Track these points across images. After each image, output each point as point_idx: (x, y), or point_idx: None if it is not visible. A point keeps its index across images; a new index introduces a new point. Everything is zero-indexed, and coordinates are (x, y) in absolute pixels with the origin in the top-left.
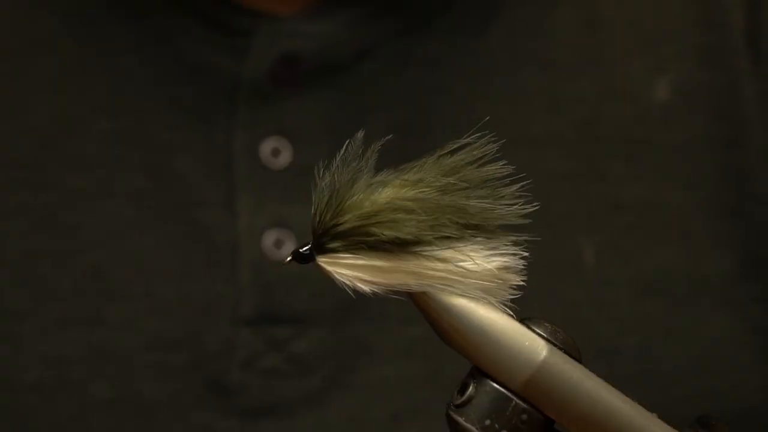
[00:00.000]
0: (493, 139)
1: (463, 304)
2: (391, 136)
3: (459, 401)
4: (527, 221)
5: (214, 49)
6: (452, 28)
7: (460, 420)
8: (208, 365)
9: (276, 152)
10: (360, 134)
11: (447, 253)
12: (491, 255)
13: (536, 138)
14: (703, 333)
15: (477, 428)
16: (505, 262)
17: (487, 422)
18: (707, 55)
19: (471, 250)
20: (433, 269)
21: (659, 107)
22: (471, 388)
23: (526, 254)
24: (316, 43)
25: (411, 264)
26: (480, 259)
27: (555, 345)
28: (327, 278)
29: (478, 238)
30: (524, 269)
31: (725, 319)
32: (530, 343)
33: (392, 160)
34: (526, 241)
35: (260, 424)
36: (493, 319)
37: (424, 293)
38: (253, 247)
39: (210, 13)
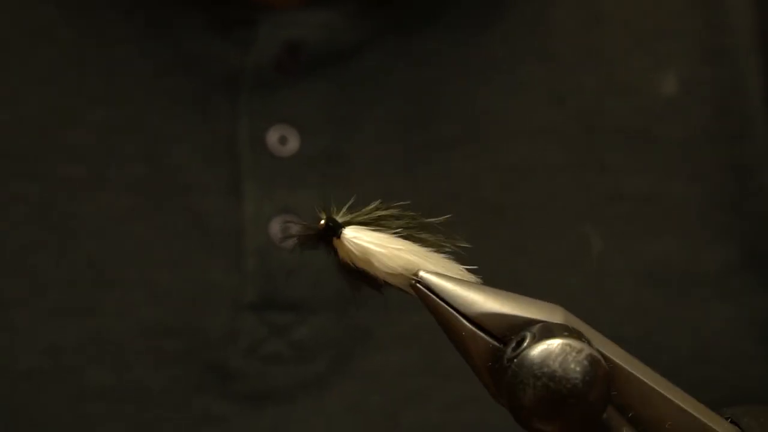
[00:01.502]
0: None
1: (469, 282)
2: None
3: (523, 346)
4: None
5: (215, 39)
6: (454, 22)
7: (546, 341)
8: (207, 351)
9: (283, 140)
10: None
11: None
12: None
13: (537, 130)
14: (702, 322)
15: (564, 338)
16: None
17: (566, 332)
18: (710, 51)
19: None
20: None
21: (661, 101)
22: (528, 335)
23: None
24: (319, 31)
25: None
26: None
27: None
28: (328, 266)
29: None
30: (525, 258)
31: (725, 309)
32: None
33: (394, 150)
34: (521, 227)
35: (260, 410)
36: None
37: (437, 282)
38: (260, 234)
39: (209, 4)
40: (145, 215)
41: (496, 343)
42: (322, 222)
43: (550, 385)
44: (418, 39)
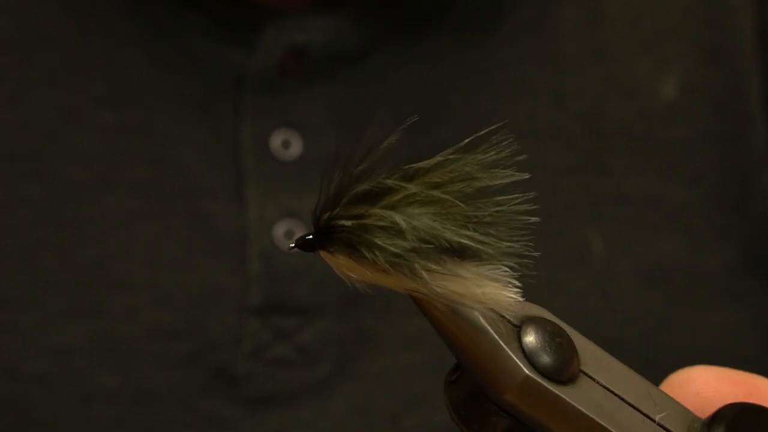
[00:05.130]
0: (507, 136)
1: (456, 309)
2: (415, 117)
3: (452, 378)
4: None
5: (220, 42)
6: (458, 25)
7: (446, 398)
8: (213, 354)
9: (286, 144)
10: (373, 118)
11: (441, 270)
12: (488, 275)
13: (540, 132)
14: (704, 324)
15: (454, 412)
16: (502, 282)
17: (462, 412)
18: (711, 53)
19: (467, 270)
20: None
21: (663, 103)
22: (458, 372)
23: (519, 285)
24: (323, 35)
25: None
26: (473, 281)
27: (534, 371)
28: (332, 269)
29: (476, 258)
30: (526, 260)
31: (727, 311)
32: (509, 372)
33: (397, 153)
34: (524, 231)
35: (265, 412)
36: (482, 331)
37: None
38: (264, 238)
39: (215, 7)
40: (151, 218)
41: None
42: (291, 246)
43: None
44: (422, 42)
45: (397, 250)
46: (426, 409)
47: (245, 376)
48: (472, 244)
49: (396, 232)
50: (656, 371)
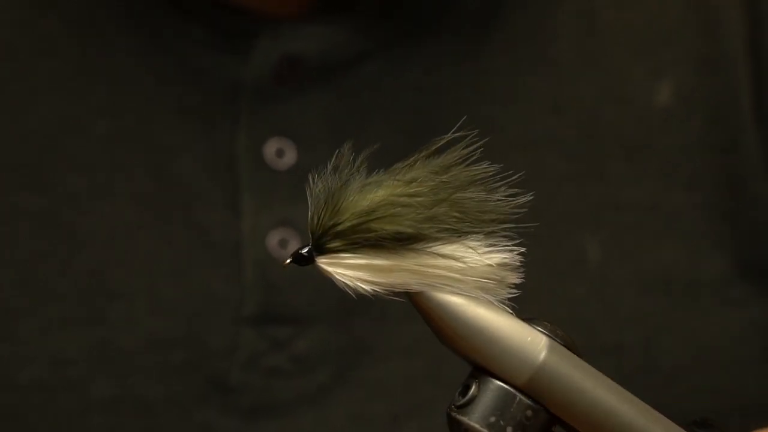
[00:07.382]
0: (476, 138)
1: (463, 303)
2: (378, 145)
3: (461, 402)
4: (522, 214)
5: (216, 51)
6: (453, 32)
7: (464, 419)
8: (209, 364)
9: (280, 153)
10: (348, 144)
11: (446, 249)
12: (489, 252)
13: (537, 140)
14: (703, 330)
15: (482, 426)
16: (503, 259)
17: (492, 419)
18: (706, 62)
19: (469, 246)
20: (432, 267)
21: (658, 110)
22: (473, 388)
23: (523, 250)
24: (318, 44)
25: (410, 262)
26: (479, 255)
27: (556, 341)
28: (328, 278)
29: (476, 235)
30: (525, 267)
31: (725, 317)
32: (532, 339)
33: (393, 161)
34: (522, 236)
35: (261, 423)
36: (494, 317)
37: (423, 295)
38: (258, 247)
39: (210, 17)
40: (149, 227)
41: None
42: (288, 261)
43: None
44: (417, 51)
45: (407, 221)
46: (424, 416)
47: (240, 386)
48: (475, 195)
49: (400, 208)
50: (655, 376)
